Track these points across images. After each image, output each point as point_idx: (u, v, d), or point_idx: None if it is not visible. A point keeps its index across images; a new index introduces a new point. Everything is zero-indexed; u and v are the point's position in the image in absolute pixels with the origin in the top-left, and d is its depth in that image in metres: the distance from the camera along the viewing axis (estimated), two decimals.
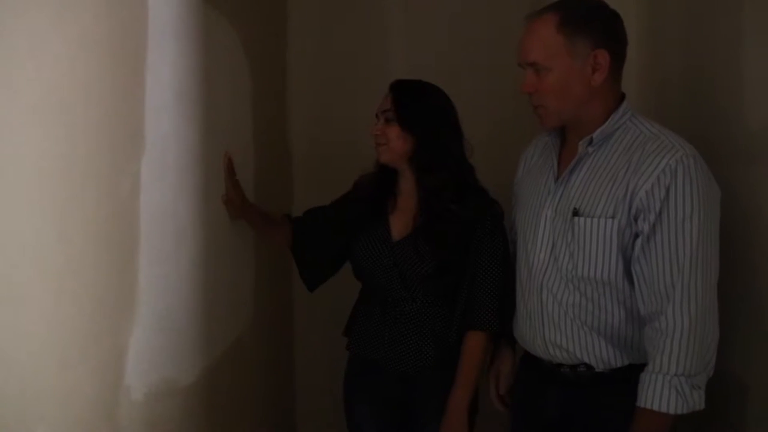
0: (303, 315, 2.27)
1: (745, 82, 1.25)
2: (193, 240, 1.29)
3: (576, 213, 1.21)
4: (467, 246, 1.47)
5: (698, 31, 1.48)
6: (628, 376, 1.19)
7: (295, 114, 2.28)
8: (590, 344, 1.23)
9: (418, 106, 1.51)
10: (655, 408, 1.13)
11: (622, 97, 1.25)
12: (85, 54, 0.87)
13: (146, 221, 1.07)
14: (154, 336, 1.11)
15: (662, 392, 1.13)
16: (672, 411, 1.12)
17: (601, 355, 1.23)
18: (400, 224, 1.54)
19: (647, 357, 1.17)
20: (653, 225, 1.14)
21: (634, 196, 1.15)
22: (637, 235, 1.17)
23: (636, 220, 1.16)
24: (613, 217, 1.17)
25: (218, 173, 1.45)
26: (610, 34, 1.21)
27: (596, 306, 1.22)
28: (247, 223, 1.62)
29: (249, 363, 1.71)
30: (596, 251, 1.20)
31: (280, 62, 2.21)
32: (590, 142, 1.22)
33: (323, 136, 2.28)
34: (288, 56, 2.27)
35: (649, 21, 1.71)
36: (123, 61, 0.99)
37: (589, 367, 1.24)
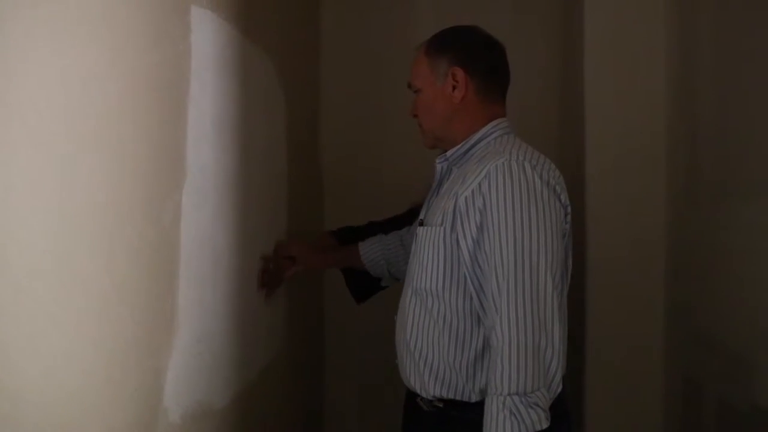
0: (333, 339, 2.29)
1: None
2: (229, 266, 1.33)
3: (421, 223, 1.26)
4: None
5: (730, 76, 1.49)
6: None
7: (326, 140, 2.32)
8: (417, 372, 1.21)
9: None
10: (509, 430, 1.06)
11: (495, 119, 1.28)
12: (133, 89, 0.92)
13: (186, 248, 1.11)
14: (191, 359, 1.14)
15: (497, 415, 1.06)
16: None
17: (423, 385, 1.21)
18: None
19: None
20: (478, 231, 1.14)
21: (456, 204, 1.17)
22: (459, 243, 1.16)
23: (459, 227, 1.16)
24: (441, 225, 1.19)
25: (254, 200, 1.49)
26: (468, 53, 1.29)
27: (432, 320, 1.21)
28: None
29: (280, 387, 1.73)
30: (428, 260, 1.21)
31: (314, 91, 2.26)
32: (445, 159, 1.29)
33: (354, 161, 2.32)
34: (321, 85, 2.33)
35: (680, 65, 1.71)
36: (167, 94, 1.04)
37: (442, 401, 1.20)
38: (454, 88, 1.27)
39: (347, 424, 2.21)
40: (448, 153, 1.28)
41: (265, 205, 1.61)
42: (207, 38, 1.20)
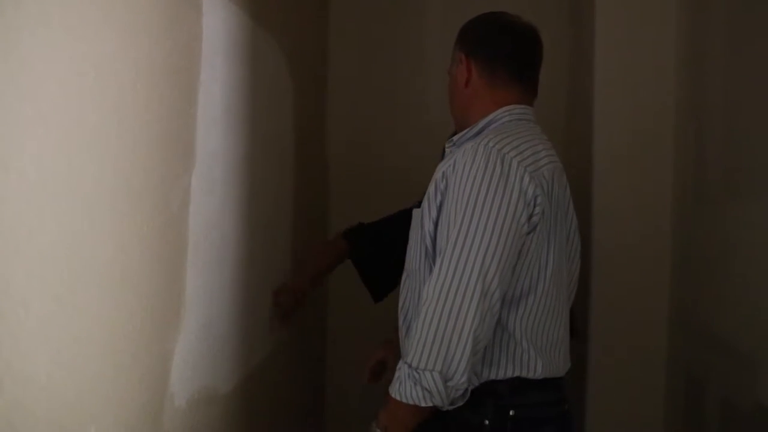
0: (336, 326, 2.30)
1: None
2: (236, 251, 1.33)
3: (418, 205, 1.26)
4: None
5: (739, 65, 1.48)
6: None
7: (333, 128, 2.32)
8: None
9: None
10: (391, 392, 1.11)
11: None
12: (146, 75, 0.91)
13: (194, 233, 1.11)
14: (197, 344, 1.14)
15: (398, 377, 1.10)
16: (401, 399, 1.08)
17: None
18: None
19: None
20: (438, 213, 1.15)
21: (432, 184, 1.19)
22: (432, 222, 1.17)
23: (426, 208, 1.18)
24: (420, 207, 1.21)
25: (260, 187, 1.49)
26: (474, 38, 1.28)
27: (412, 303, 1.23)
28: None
29: (284, 373, 1.74)
30: (412, 241, 1.24)
31: (321, 80, 2.25)
32: (452, 143, 1.29)
33: (360, 151, 2.32)
34: (328, 73, 2.32)
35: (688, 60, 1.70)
36: (178, 79, 1.03)
37: None
38: (464, 74, 1.27)
39: (350, 408, 2.22)
40: (455, 137, 1.27)
41: (272, 192, 1.61)
42: (218, 24, 1.19)
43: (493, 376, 1.14)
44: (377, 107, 2.32)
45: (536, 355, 1.15)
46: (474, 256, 1.07)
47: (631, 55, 1.82)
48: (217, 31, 1.19)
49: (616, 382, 1.82)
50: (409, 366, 1.09)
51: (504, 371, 1.14)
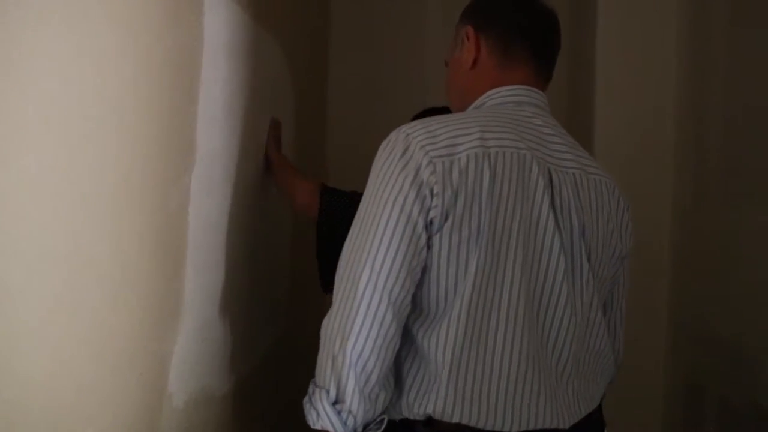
0: None
1: None
2: (235, 252, 1.32)
3: None
4: None
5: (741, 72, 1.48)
6: None
7: (333, 128, 2.32)
8: None
9: None
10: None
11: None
12: (146, 73, 0.91)
13: (193, 232, 1.10)
14: (196, 345, 1.14)
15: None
16: (306, 414, 0.95)
17: None
18: None
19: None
20: None
21: None
22: None
23: None
24: None
25: (261, 187, 1.48)
26: (484, 10, 1.11)
27: None
28: (277, 181, 1.49)
29: (282, 373, 1.73)
30: None
31: (321, 81, 2.25)
32: None
33: (360, 151, 2.31)
34: (329, 73, 2.32)
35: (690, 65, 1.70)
36: (179, 78, 1.03)
37: None
38: (468, 52, 1.10)
39: None
40: None
41: (272, 192, 1.60)
42: (219, 22, 1.19)
43: (406, 413, 0.96)
44: (377, 108, 2.32)
45: (454, 394, 0.92)
46: (365, 257, 0.91)
47: (632, 58, 1.83)
48: (219, 30, 1.18)
49: (616, 384, 1.81)
50: (314, 377, 0.96)
51: (418, 407, 0.95)
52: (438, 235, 0.93)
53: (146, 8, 0.90)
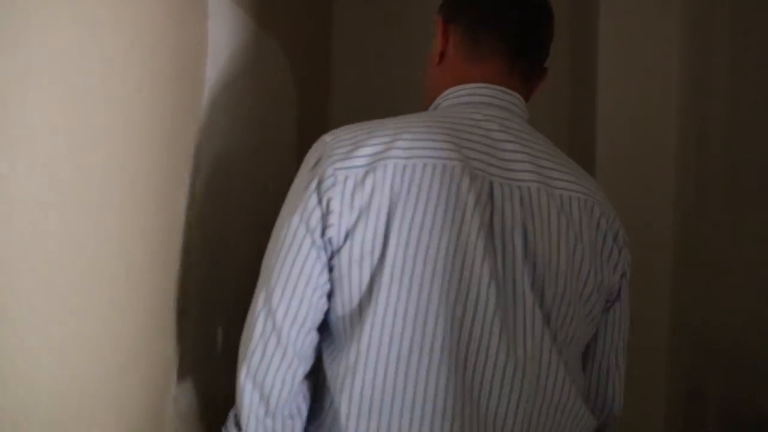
0: None
1: None
2: (239, 254, 1.33)
3: None
4: None
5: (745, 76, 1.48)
6: None
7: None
8: None
9: None
10: None
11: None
12: (150, 76, 0.91)
13: (197, 235, 1.11)
14: (200, 346, 1.14)
15: None
16: None
17: None
18: None
19: None
20: None
21: None
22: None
23: None
24: None
25: (264, 190, 1.49)
26: (458, 1, 0.98)
27: None
28: None
29: None
30: None
31: (324, 85, 2.26)
32: None
33: None
34: (331, 77, 2.32)
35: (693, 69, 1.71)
36: (183, 81, 1.04)
37: None
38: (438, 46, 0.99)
39: None
40: None
41: (275, 196, 1.61)
42: (223, 25, 1.19)
43: None
44: (380, 113, 2.31)
45: None
46: (264, 278, 0.86)
47: (635, 61, 1.83)
48: (223, 34, 1.19)
49: None
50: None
51: None
52: (337, 258, 0.82)
53: (151, 12, 0.91)
